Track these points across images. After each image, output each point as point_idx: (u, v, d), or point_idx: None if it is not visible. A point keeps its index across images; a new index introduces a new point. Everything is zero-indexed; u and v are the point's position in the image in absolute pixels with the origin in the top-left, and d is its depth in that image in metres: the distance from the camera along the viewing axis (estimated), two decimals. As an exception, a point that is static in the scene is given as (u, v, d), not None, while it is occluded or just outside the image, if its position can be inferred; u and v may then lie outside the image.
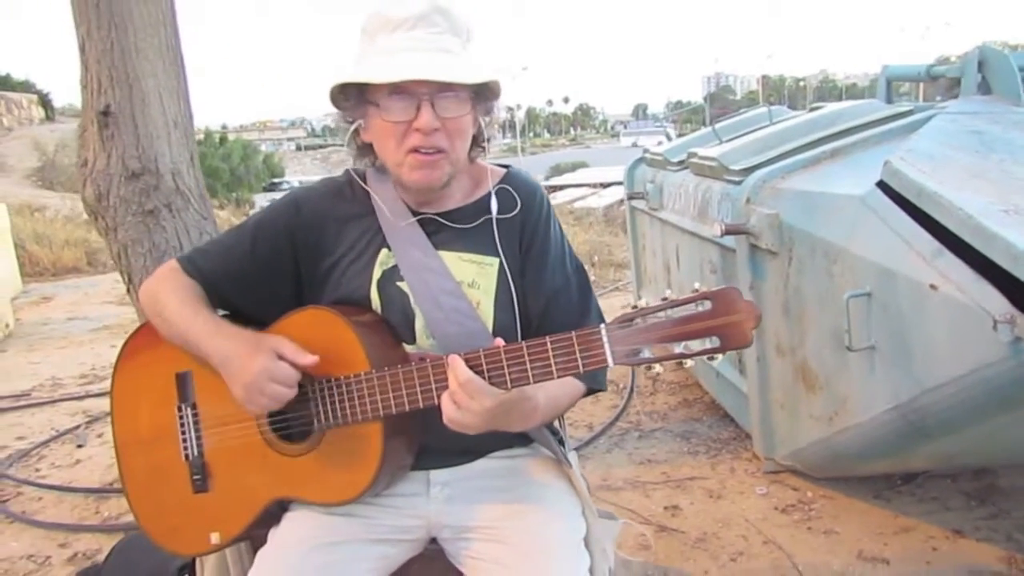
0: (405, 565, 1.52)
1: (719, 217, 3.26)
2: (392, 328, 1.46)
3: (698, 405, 3.95)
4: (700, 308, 1.17)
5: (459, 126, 1.38)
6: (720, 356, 1.17)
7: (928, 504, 2.82)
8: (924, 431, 2.11)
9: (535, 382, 1.22)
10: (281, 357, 1.34)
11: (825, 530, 2.69)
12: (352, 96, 1.39)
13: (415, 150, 1.37)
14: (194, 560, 1.82)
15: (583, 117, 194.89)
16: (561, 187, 24.65)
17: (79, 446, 3.85)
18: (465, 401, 1.23)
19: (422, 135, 1.35)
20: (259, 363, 1.33)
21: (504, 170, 1.57)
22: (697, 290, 1.18)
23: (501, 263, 1.46)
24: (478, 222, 1.48)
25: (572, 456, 1.70)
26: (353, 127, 1.44)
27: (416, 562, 1.54)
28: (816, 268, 2.50)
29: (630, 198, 5.05)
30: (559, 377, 1.21)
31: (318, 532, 1.43)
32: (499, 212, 1.48)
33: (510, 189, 1.51)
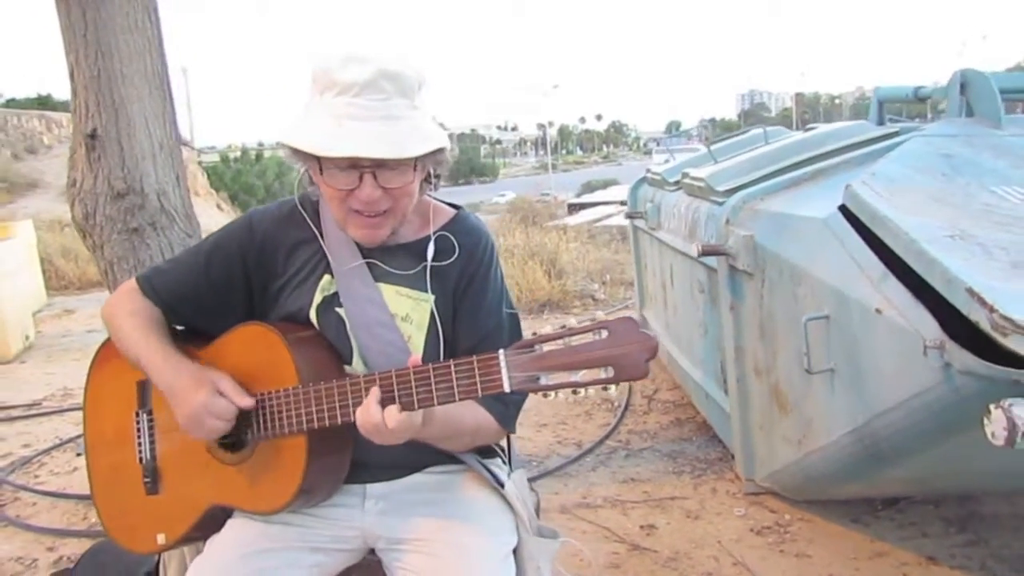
0: (344, 574, 1.57)
1: (704, 237, 3.29)
2: (330, 345, 1.52)
3: (689, 425, 3.96)
4: (597, 337, 1.20)
5: (404, 191, 1.42)
6: (614, 386, 1.20)
7: (906, 529, 2.80)
8: (879, 455, 2.11)
9: (439, 403, 1.27)
10: (221, 393, 1.41)
11: (797, 553, 2.69)
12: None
13: (359, 212, 1.42)
14: (158, 564, 1.89)
15: (616, 134, 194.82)
16: (586, 205, 24.64)
17: (78, 454, 3.95)
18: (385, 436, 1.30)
19: (365, 203, 1.39)
20: (200, 397, 1.40)
21: (453, 212, 1.61)
22: (595, 319, 1.21)
23: (434, 301, 1.51)
24: (417, 267, 1.52)
25: (517, 474, 1.71)
26: (304, 170, 1.48)
27: (355, 571, 1.59)
28: (784, 290, 2.52)
29: (630, 217, 5.09)
30: (461, 399, 1.26)
31: (255, 539, 1.49)
32: (438, 259, 1.52)
33: (451, 238, 1.54)
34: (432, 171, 1.51)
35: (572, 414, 4.21)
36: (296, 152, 1.44)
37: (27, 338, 6.57)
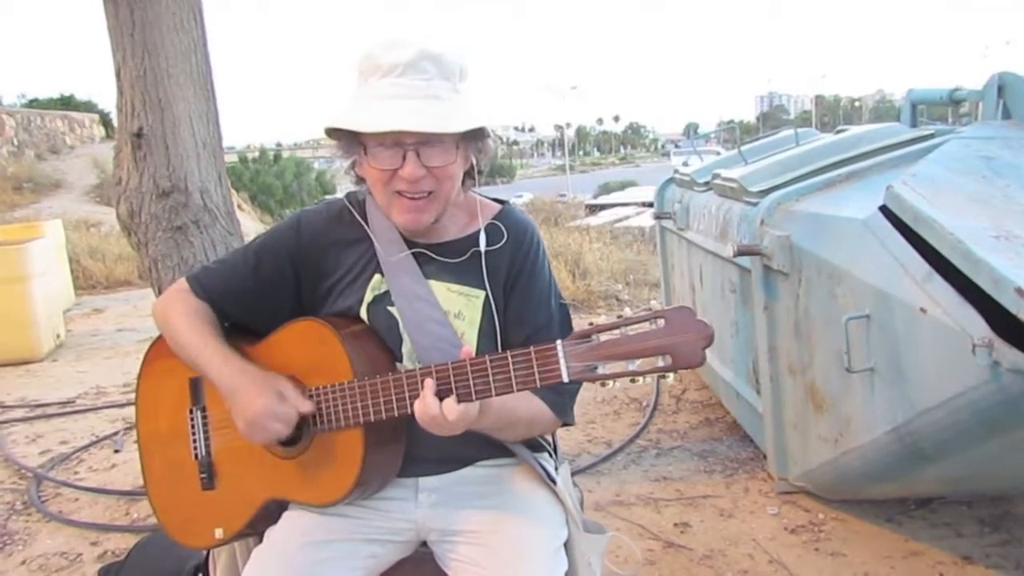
0: (397, 566, 1.60)
1: (737, 238, 3.29)
2: (382, 340, 1.54)
3: (719, 424, 3.97)
4: (654, 326, 1.22)
5: (446, 172, 1.44)
6: (672, 375, 1.22)
7: (940, 529, 2.81)
8: (920, 454, 2.12)
9: (497, 394, 1.29)
10: (283, 399, 1.44)
11: (833, 552, 2.70)
12: (344, 135, 1.46)
13: (402, 193, 1.45)
14: (207, 559, 1.92)
15: (633, 136, 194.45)
16: (605, 206, 24.67)
17: (116, 451, 4.01)
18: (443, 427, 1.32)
19: (408, 183, 1.42)
20: (263, 402, 1.42)
21: (499, 206, 1.63)
22: (651, 308, 1.23)
23: (487, 296, 1.53)
24: (467, 256, 1.55)
25: (563, 468, 1.74)
26: (350, 162, 1.52)
27: (407, 563, 1.61)
28: (822, 290, 2.53)
29: (659, 218, 5.10)
30: (519, 390, 1.28)
31: (311, 530, 1.52)
32: (487, 246, 1.55)
33: (500, 226, 1.57)
34: (475, 164, 1.53)
35: (601, 413, 4.23)
36: (342, 143, 1.48)
37: (58, 337, 6.65)
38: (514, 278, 1.56)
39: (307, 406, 1.44)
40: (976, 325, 1.68)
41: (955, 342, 1.75)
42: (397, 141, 1.39)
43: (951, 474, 2.32)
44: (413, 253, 1.55)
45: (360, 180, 1.54)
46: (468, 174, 1.54)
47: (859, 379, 2.31)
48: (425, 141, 1.40)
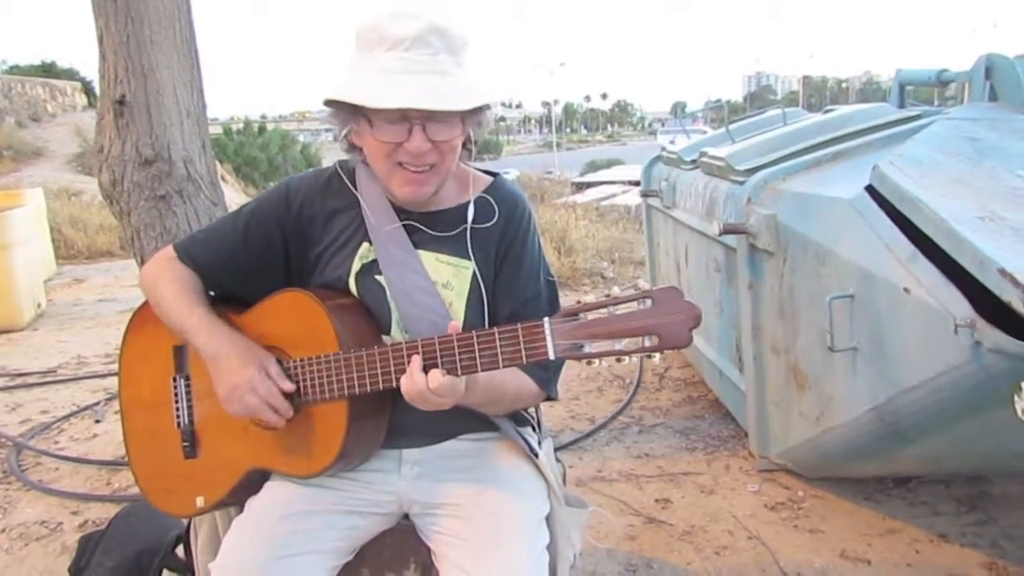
0: (379, 537, 1.61)
1: (723, 216, 3.29)
2: (369, 312, 1.54)
3: (702, 403, 3.99)
4: (641, 306, 1.22)
5: (451, 146, 1.44)
6: (658, 355, 1.22)
7: (917, 508, 2.84)
8: (900, 433, 2.14)
9: (483, 370, 1.29)
10: (268, 375, 1.44)
11: (811, 529, 2.73)
12: (346, 106, 1.43)
13: (404, 165, 1.44)
14: (189, 528, 1.92)
15: (620, 114, 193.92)
16: (592, 184, 24.64)
17: (97, 421, 4.00)
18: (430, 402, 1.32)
19: (413, 156, 1.42)
20: (247, 373, 1.43)
21: (490, 179, 1.62)
22: (639, 288, 1.23)
23: (475, 268, 1.53)
24: (457, 230, 1.54)
25: (546, 443, 1.75)
26: (345, 131, 1.50)
27: (389, 535, 1.62)
28: (807, 269, 2.54)
29: (645, 195, 5.09)
30: (505, 367, 1.28)
31: (292, 501, 1.52)
32: (477, 221, 1.54)
33: (491, 200, 1.57)
34: (471, 136, 1.52)
35: (584, 390, 4.25)
36: (339, 112, 1.46)
37: (39, 306, 6.60)
38: (504, 251, 1.56)
39: (289, 385, 1.44)
40: (959, 305, 1.69)
41: (938, 322, 1.76)
42: (404, 115, 1.38)
43: (930, 453, 2.34)
44: (403, 223, 1.54)
45: (352, 148, 1.53)
46: (463, 145, 1.53)
47: (841, 358, 2.33)
48: (431, 116, 1.39)
